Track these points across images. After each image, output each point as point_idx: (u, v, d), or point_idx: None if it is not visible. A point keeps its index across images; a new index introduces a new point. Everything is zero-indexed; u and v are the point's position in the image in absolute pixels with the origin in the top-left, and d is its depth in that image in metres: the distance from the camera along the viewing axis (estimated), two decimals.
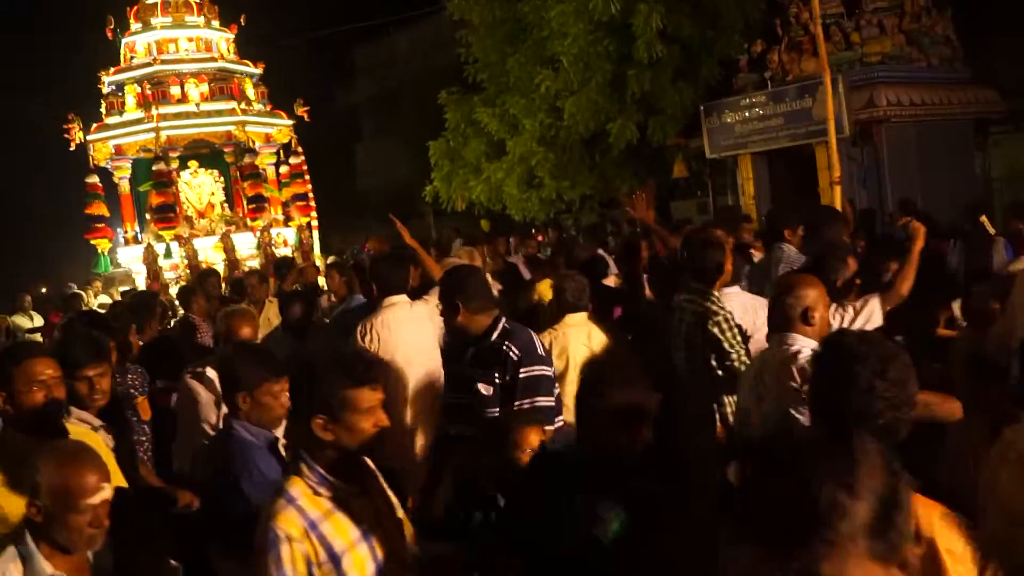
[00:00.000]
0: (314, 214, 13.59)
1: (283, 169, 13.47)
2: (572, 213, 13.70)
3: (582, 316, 4.54)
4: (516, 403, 3.50)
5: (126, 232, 13.02)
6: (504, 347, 3.57)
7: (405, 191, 18.83)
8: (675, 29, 12.17)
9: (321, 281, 9.31)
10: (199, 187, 12.97)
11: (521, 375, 3.52)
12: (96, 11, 12.98)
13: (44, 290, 14.11)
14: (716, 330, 4.07)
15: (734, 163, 12.77)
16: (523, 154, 13.49)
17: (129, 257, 12.55)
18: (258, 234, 12.42)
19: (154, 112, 11.90)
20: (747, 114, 12.00)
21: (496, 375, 3.56)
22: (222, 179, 13.14)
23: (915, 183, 11.28)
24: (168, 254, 11.78)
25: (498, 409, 3.54)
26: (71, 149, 12.60)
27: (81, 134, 12.35)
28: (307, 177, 13.50)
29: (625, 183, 13.50)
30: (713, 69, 12.83)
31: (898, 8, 11.77)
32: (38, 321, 12.06)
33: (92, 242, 12.58)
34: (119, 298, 10.86)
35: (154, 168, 11.90)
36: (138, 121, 12.13)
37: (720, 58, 12.83)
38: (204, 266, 11.06)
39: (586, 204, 14.12)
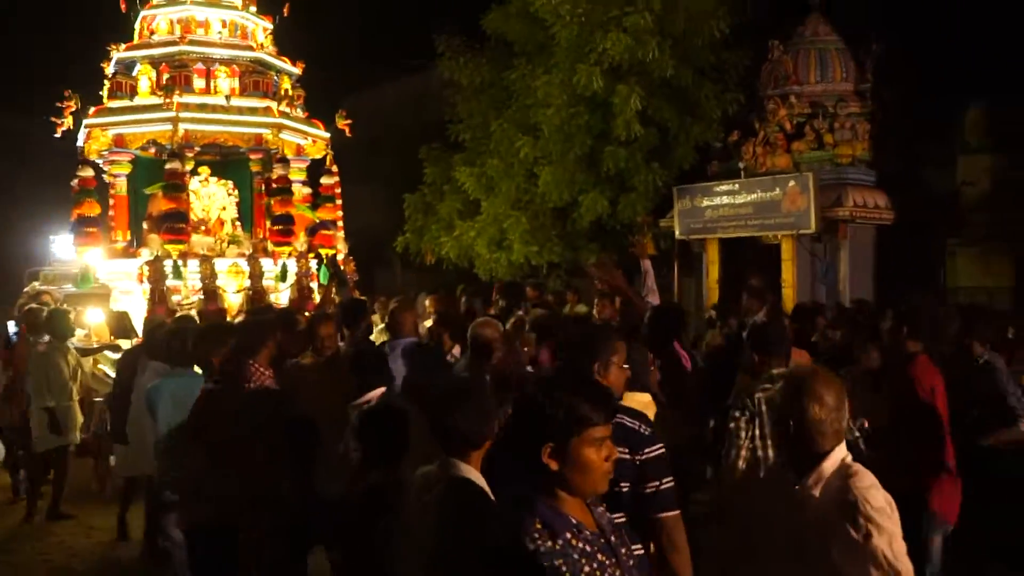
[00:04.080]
0: (342, 246, 11.97)
1: (305, 191, 11.71)
2: (538, 279, 13.76)
3: (647, 398, 3.63)
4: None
5: (115, 241, 10.81)
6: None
7: (375, 239, 18.82)
8: (654, 111, 12.46)
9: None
10: (208, 198, 11.02)
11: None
12: None
13: None
14: None
15: (701, 246, 12.99)
16: (496, 215, 13.59)
17: (118, 272, 10.23)
18: (286, 261, 10.50)
19: (174, 100, 10.00)
20: (719, 200, 12.26)
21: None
22: (236, 192, 11.25)
23: (871, 283, 11.57)
24: (178, 273, 9.72)
25: None
26: (56, 136, 10.23)
27: (71, 120, 10.21)
28: (339, 202, 11.93)
29: (592, 255, 13.65)
30: (688, 154, 13.09)
31: (870, 115, 12.24)
32: None
33: (79, 251, 10.26)
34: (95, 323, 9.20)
35: (167, 167, 9.88)
36: (151, 108, 10.15)
37: (696, 143, 13.13)
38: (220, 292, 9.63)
39: (553, 272, 14.21)
